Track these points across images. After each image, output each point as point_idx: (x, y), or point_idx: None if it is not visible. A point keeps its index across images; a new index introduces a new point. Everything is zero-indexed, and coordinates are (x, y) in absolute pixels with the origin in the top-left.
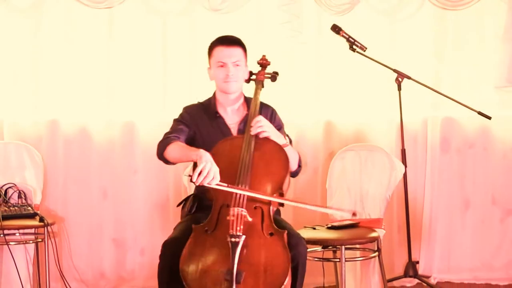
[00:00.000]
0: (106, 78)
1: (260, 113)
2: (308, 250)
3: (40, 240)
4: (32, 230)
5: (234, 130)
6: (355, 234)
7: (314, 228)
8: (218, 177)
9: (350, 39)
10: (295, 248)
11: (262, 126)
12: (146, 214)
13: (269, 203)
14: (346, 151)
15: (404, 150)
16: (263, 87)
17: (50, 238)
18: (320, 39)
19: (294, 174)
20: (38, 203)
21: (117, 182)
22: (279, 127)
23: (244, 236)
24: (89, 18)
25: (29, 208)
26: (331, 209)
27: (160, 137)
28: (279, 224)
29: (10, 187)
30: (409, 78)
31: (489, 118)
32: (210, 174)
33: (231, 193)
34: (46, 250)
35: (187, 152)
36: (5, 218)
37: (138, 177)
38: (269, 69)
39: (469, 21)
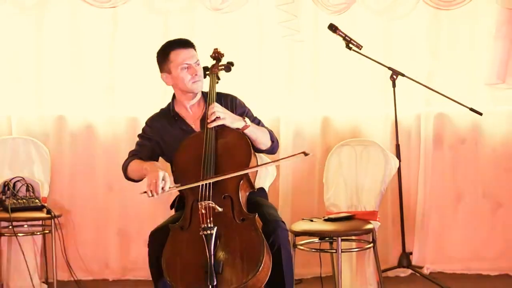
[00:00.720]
0: (110, 75)
1: (221, 104)
2: (305, 241)
3: (47, 231)
4: (40, 222)
5: (196, 127)
6: (351, 226)
7: (312, 220)
8: (168, 180)
9: (347, 37)
10: (273, 232)
11: (215, 112)
12: (150, 206)
13: (236, 189)
14: (343, 146)
15: (398, 145)
16: (219, 79)
17: (57, 230)
18: (317, 37)
19: (272, 150)
20: (46, 196)
21: (122, 175)
22: (243, 111)
23: (215, 228)
24: (94, 17)
25: (37, 200)
26: (284, 158)
27: None
28: (256, 207)
29: (18, 181)
30: (403, 75)
31: (481, 114)
32: (159, 182)
33: (198, 188)
34: (53, 241)
35: (140, 170)
36: (14, 210)
37: None
38: (223, 61)
39: (462, 21)
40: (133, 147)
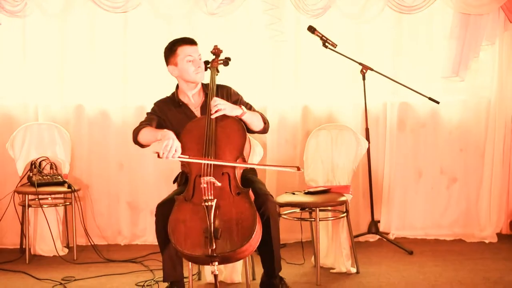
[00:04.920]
0: (122, 70)
1: (217, 94)
2: (288, 211)
3: (68, 203)
4: (62, 195)
5: (197, 113)
6: (327, 198)
7: (294, 193)
8: (179, 151)
9: (323, 37)
10: (263, 204)
11: (217, 105)
12: (155, 181)
13: (233, 168)
14: (320, 130)
15: (368, 129)
16: (218, 72)
17: (76, 202)
18: (298, 37)
19: (264, 131)
20: (67, 173)
21: (131, 155)
22: (237, 99)
23: (215, 200)
24: (108, 20)
25: (59, 177)
26: (278, 166)
27: None
28: (249, 183)
29: (43, 160)
30: (371, 69)
31: (438, 102)
32: (172, 149)
33: (201, 164)
34: (73, 211)
35: (154, 134)
36: (40, 185)
37: (149, 151)
38: (221, 56)
39: (421, 23)
40: None
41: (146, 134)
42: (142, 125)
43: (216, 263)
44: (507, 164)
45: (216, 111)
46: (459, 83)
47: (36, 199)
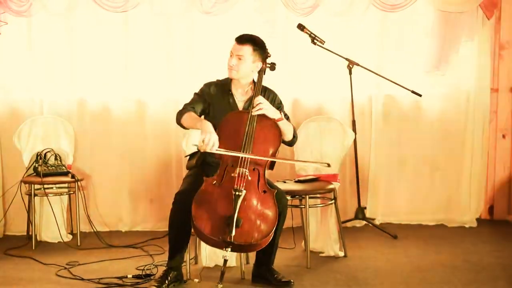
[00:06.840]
0: (123, 66)
1: (264, 95)
2: None
3: (72, 192)
4: (66, 185)
5: (240, 105)
6: (317, 186)
7: (285, 182)
8: (217, 144)
9: (312, 34)
10: (280, 201)
11: (260, 103)
12: (154, 171)
13: (264, 166)
14: (309, 122)
15: (354, 121)
16: (264, 74)
17: (79, 191)
18: (288, 35)
19: (291, 143)
20: (70, 163)
21: (132, 146)
22: (279, 106)
23: (245, 191)
24: (109, 19)
25: (63, 167)
26: (313, 162)
27: (165, 112)
28: (270, 184)
29: (48, 151)
30: (358, 65)
31: (420, 95)
32: (210, 143)
33: (237, 156)
34: (77, 200)
35: (195, 122)
36: (45, 175)
37: (148, 143)
38: (269, 60)
39: (405, 21)
40: (141, 122)
41: (188, 120)
42: (186, 108)
43: (229, 249)
44: (485, 152)
45: (258, 109)
46: (440, 77)
47: (42, 189)
